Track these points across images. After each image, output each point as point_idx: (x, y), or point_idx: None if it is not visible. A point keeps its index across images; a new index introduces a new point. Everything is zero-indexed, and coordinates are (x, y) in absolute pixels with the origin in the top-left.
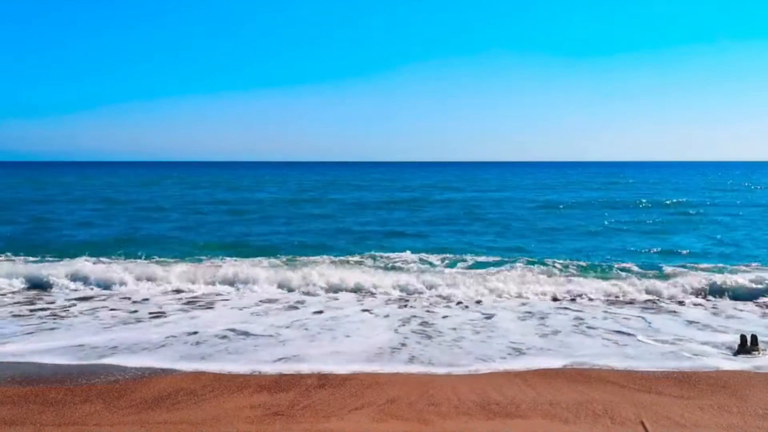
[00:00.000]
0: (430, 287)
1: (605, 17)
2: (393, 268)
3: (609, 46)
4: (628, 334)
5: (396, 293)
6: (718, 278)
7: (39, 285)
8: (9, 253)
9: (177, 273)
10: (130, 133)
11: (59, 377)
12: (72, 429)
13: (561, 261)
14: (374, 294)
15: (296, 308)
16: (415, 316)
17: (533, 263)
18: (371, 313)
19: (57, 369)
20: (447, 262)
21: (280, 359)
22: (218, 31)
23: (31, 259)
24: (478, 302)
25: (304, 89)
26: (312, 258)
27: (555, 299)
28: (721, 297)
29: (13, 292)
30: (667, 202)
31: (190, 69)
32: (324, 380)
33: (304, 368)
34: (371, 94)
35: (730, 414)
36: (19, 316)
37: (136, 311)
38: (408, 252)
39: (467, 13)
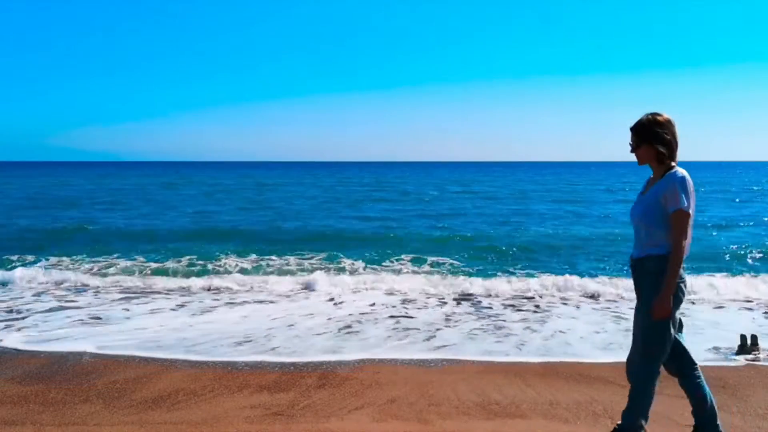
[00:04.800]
0: None
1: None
2: None
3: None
4: None
5: None
6: None
7: None
8: None
9: None
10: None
11: (59, 377)
12: (72, 429)
13: None
14: None
15: None
16: None
17: None
18: None
19: (55, 369)
20: None
21: None
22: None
23: None
24: None
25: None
26: None
27: None
28: None
29: None
30: None
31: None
32: (324, 380)
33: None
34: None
35: (730, 414)
36: None
37: None
38: None
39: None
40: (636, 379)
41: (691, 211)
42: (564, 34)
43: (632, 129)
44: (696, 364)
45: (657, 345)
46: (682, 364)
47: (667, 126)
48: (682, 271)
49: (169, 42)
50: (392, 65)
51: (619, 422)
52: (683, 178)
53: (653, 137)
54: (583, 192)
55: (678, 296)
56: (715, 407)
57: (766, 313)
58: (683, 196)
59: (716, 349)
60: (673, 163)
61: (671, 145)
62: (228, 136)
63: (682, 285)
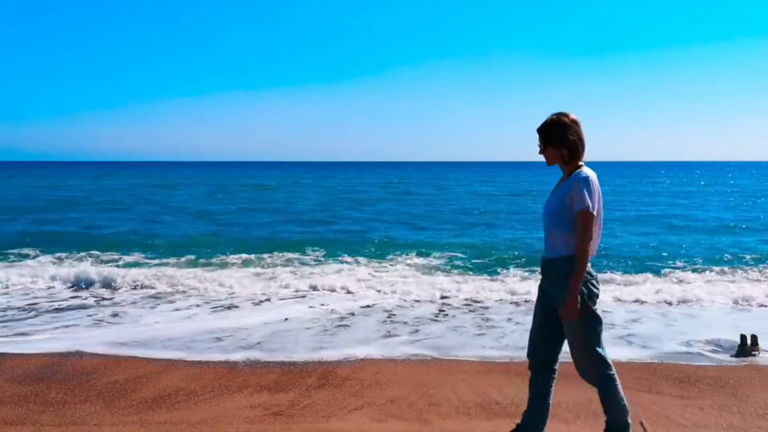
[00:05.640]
0: None
1: (600, 19)
2: None
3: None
4: None
5: None
6: None
7: None
8: None
9: None
10: (133, 133)
11: (59, 377)
12: (72, 429)
13: None
14: None
15: None
16: None
17: None
18: None
19: (55, 369)
20: None
21: None
22: (219, 34)
23: None
24: None
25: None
26: None
27: None
28: None
29: None
30: None
31: (189, 71)
32: (324, 380)
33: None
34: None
35: (730, 414)
36: None
37: None
38: None
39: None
40: (596, 376)
41: (595, 212)
42: (560, 22)
43: (538, 131)
44: (557, 367)
45: (595, 332)
46: (552, 360)
47: (572, 127)
48: (590, 268)
49: (169, 38)
50: (391, 56)
51: (605, 420)
52: (586, 178)
53: (558, 139)
54: None
55: (593, 292)
56: (548, 415)
57: (743, 310)
58: (586, 195)
59: (689, 344)
60: (580, 163)
61: (576, 146)
62: (227, 128)
63: (594, 281)
